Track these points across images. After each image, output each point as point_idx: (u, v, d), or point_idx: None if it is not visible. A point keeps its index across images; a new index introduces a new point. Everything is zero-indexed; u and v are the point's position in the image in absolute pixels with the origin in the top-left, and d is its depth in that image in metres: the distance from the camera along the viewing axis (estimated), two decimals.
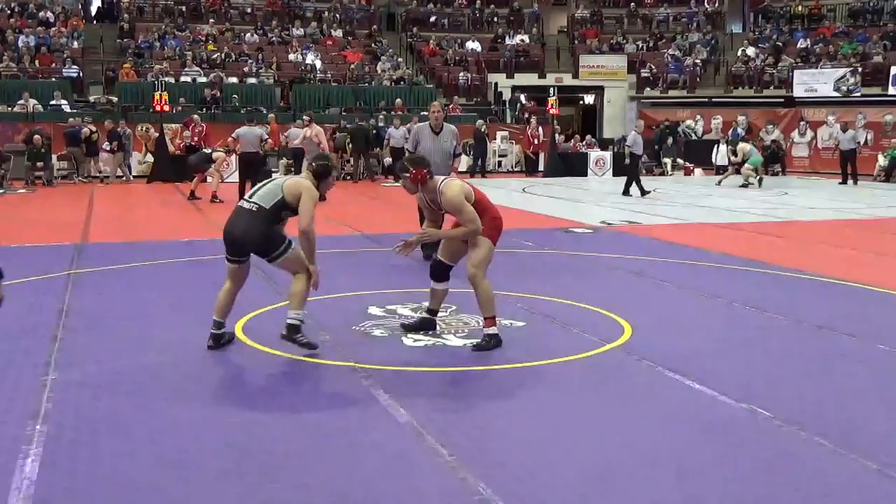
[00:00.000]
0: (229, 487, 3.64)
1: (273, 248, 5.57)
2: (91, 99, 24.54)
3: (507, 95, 29.74)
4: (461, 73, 28.74)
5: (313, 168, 5.65)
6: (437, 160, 9.09)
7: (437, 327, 6.21)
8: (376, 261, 9.42)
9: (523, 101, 28.22)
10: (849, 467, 3.87)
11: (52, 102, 22.70)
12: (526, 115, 26.36)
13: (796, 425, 4.33)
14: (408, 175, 5.77)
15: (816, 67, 27.51)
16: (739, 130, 24.45)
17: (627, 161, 17.66)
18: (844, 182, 21.38)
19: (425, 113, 25.31)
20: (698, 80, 29.45)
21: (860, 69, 26.50)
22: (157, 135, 21.03)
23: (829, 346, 6.08)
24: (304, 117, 18.01)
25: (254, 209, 5.55)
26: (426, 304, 6.61)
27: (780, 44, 29.59)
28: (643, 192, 17.23)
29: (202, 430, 4.31)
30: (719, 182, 20.81)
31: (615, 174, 23.69)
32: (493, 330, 5.80)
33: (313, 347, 5.57)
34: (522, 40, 31.26)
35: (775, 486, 3.68)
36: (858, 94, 26.20)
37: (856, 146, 21.80)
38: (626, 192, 17.43)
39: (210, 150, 17.04)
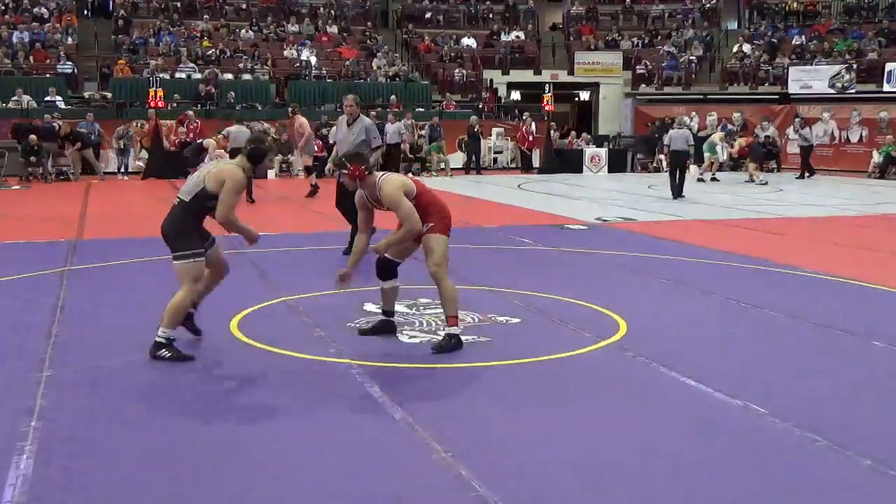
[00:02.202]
0: (224, 484, 3.64)
1: (178, 247, 5.33)
2: (86, 95, 24.47)
3: (502, 92, 29.78)
4: (456, 70, 28.73)
5: (248, 151, 5.48)
6: (344, 151, 9.25)
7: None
8: (371, 257, 9.38)
9: (488, 94, 28.23)
10: (843, 464, 3.88)
11: (47, 98, 22.62)
12: (483, 107, 26.47)
13: (790, 422, 4.34)
14: (346, 171, 5.66)
15: (811, 64, 27.53)
16: (730, 127, 24.53)
17: (664, 158, 17.24)
18: (802, 176, 21.99)
19: (421, 109, 25.52)
20: (694, 76, 29.46)
21: (855, 66, 26.52)
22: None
23: (824, 342, 6.09)
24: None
25: (175, 203, 5.45)
26: (422, 299, 6.62)
27: (776, 41, 29.60)
28: (680, 193, 16.29)
29: (196, 426, 4.31)
30: (763, 180, 20.41)
31: (611, 170, 23.74)
32: (455, 329, 5.68)
33: (187, 359, 5.34)
34: (518, 37, 31.24)
35: (769, 482, 3.69)
36: (853, 90, 26.22)
37: (810, 143, 22.44)
38: (680, 194, 16.38)
39: (201, 140, 17.07)
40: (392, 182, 5.63)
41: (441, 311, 6.54)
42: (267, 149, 5.54)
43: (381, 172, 5.82)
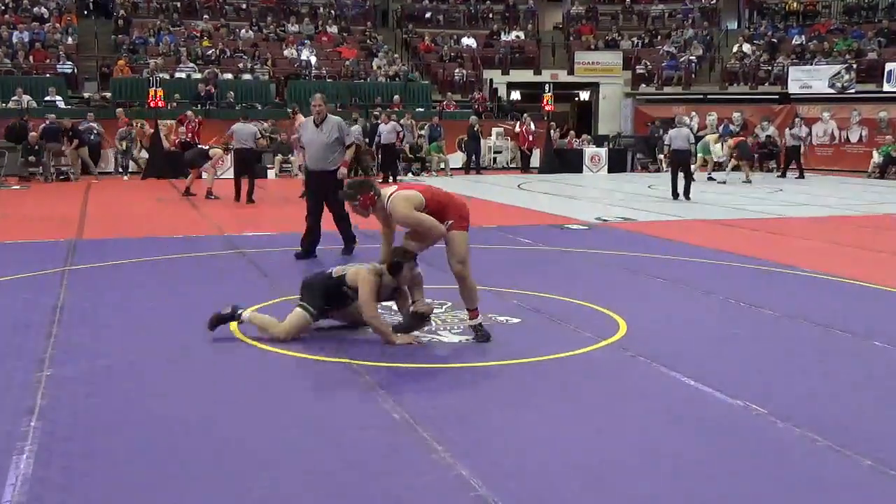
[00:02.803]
0: (224, 484, 3.63)
1: (302, 296, 6.01)
2: (85, 95, 24.48)
3: (502, 92, 29.79)
4: (456, 70, 28.73)
5: (392, 263, 5.84)
6: (317, 152, 9.25)
7: (432, 324, 6.16)
8: (372, 257, 9.38)
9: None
10: (842, 464, 3.88)
11: (47, 98, 22.63)
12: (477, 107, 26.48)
13: (791, 422, 4.34)
14: (357, 203, 5.74)
15: (811, 64, 27.54)
16: (731, 127, 24.54)
17: (664, 156, 17.13)
18: (783, 175, 22.31)
19: (421, 109, 25.50)
20: (693, 76, 29.46)
21: (855, 66, 26.52)
22: (151, 131, 20.99)
23: (824, 342, 6.09)
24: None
25: (328, 271, 6.12)
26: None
27: (775, 40, 29.60)
28: (686, 194, 16.05)
29: (197, 426, 4.30)
30: (726, 176, 20.62)
31: (610, 170, 23.75)
32: (478, 320, 5.85)
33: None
34: (518, 37, 31.25)
35: (769, 482, 3.69)
36: (853, 90, 26.23)
37: (800, 143, 22.58)
38: (687, 195, 16.10)
39: (207, 147, 17.05)
40: (399, 203, 5.61)
41: (440, 311, 6.56)
42: (406, 261, 5.84)
43: (387, 193, 5.76)
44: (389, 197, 5.69)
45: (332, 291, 5.93)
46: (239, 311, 6.00)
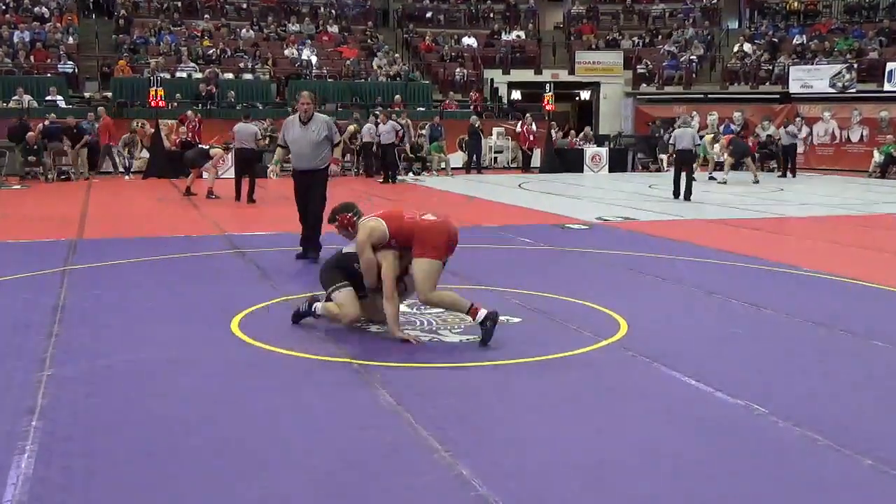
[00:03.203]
0: (225, 484, 3.63)
1: (325, 286, 6.19)
2: (86, 95, 24.50)
3: (503, 92, 29.80)
4: (457, 70, 28.74)
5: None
6: (303, 150, 9.22)
7: (433, 323, 6.18)
8: None
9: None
10: (843, 463, 3.88)
11: (48, 98, 22.66)
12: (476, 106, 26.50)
13: (791, 421, 4.34)
14: (336, 223, 5.98)
15: (812, 63, 27.55)
16: (733, 127, 24.56)
17: (666, 158, 17.07)
18: (784, 175, 22.24)
19: (422, 109, 25.50)
20: (694, 76, 29.47)
21: (856, 65, 26.53)
22: (152, 130, 21.00)
23: (824, 342, 6.09)
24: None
25: (337, 252, 6.32)
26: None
27: (776, 40, 29.61)
28: (688, 196, 15.86)
29: (197, 426, 4.30)
30: (724, 177, 20.62)
31: (611, 170, 23.75)
32: (482, 314, 5.71)
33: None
34: (518, 36, 31.28)
35: (770, 481, 3.69)
36: (854, 90, 26.23)
37: (795, 141, 22.62)
38: (688, 197, 15.90)
39: (207, 147, 17.06)
40: (362, 231, 5.79)
41: (441, 310, 6.56)
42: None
43: (367, 217, 5.93)
44: (363, 221, 5.90)
45: (345, 268, 6.08)
46: (315, 306, 6.16)
